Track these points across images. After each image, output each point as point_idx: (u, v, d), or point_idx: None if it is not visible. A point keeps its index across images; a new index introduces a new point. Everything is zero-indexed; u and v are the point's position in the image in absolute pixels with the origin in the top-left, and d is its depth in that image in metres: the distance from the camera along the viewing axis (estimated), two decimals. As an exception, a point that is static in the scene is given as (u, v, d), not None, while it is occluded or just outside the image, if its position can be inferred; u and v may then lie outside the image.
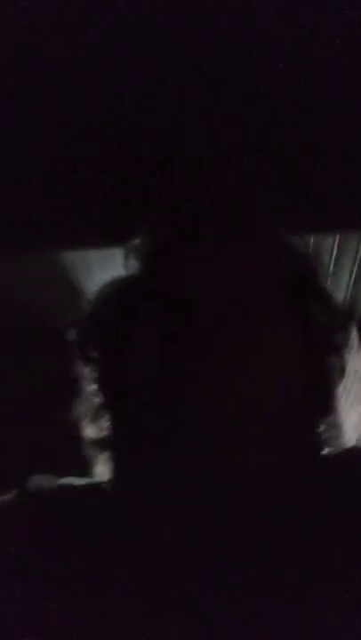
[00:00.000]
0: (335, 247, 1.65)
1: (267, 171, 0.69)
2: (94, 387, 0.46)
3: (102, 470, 0.46)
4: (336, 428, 0.43)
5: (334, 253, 1.68)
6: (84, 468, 0.47)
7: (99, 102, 0.62)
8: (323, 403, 0.45)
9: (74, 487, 0.47)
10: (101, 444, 0.45)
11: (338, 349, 0.46)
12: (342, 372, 0.46)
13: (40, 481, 0.51)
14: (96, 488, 0.45)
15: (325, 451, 0.45)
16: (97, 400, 0.46)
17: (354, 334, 0.48)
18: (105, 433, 0.45)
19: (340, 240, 1.62)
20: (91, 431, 0.47)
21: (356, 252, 1.71)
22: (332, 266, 1.72)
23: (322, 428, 0.45)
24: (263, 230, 0.47)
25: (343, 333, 0.46)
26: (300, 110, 0.63)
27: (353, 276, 1.80)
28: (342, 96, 0.61)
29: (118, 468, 0.44)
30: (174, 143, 0.66)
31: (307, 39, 0.54)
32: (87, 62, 0.56)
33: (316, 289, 0.47)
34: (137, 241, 0.48)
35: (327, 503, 0.39)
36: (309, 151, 0.68)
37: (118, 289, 0.47)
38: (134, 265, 0.47)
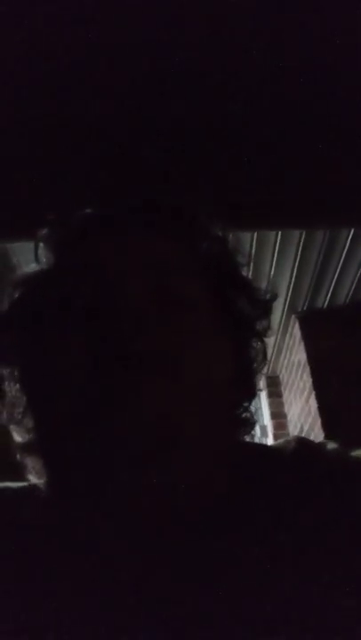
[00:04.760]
0: (255, 239, 1.71)
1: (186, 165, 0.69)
2: (17, 388, 0.44)
3: (37, 473, 0.45)
4: (257, 415, 0.44)
5: (254, 245, 1.73)
6: (19, 473, 0.45)
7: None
8: (247, 388, 0.45)
9: (11, 489, 0.45)
10: (29, 447, 0.44)
11: (260, 335, 0.46)
12: (265, 357, 0.46)
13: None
14: (32, 489, 0.43)
15: (248, 438, 0.45)
16: (21, 401, 0.43)
17: (274, 321, 0.49)
18: (30, 435, 0.43)
19: (259, 234, 1.68)
20: (18, 435, 0.45)
21: (275, 245, 1.78)
22: (253, 256, 1.78)
23: (244, 414, 0.44)
24: (182, 222, 0.46)
25: (264, 320, 0.46)
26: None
27: (273, 267, 1.87)
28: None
29: (50, 471, 0.42)
30: (98, 127, 0.63)
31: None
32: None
33: (235, 278, 0.47)
34: (47, 231, 0.45)
35: (281, 494, 0.39)
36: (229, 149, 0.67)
37: (33, 286, 0.44)
38: (47, 257, 0.44)
